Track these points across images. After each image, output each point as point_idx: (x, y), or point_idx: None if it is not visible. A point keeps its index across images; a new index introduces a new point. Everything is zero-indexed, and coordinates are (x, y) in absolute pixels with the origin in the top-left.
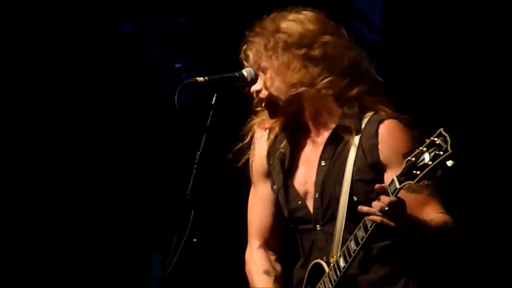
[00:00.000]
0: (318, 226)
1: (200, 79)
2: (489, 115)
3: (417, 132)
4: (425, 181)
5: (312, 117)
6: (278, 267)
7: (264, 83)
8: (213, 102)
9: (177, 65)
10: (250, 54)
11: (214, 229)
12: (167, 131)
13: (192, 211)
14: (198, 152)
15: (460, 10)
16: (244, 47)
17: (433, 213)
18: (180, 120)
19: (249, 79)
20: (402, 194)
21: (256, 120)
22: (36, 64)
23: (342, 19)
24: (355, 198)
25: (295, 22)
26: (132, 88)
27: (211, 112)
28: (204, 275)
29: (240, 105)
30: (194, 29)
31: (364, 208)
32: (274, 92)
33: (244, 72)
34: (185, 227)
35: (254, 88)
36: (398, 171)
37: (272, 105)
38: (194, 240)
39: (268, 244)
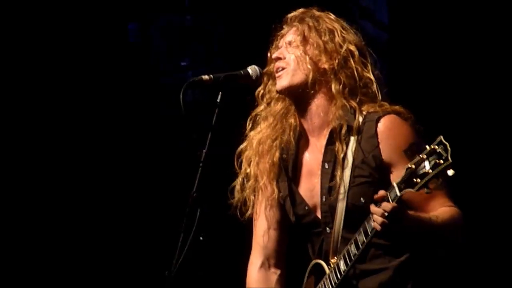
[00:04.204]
0: (327, 229)
1: (205, 77)
2: (495, 111)
3: (418, 125)
4: (440, 181)
5: (312, 112)
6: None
7: (297, 55)
8: (218, 100)
9: (182, 63)
10: (297, 29)
11: (221, 227)
12: (173, 129)
13: (198, 209)
14: (204, 151)
15: (466, 7)
16: (292, 20)
17: (439, 207)
18: (185, 118)
19: (254, 76)
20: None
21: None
22: (41, 63)
23: (349, 16)
24: (353, 202)
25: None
26: (138, 86)
27: (216, 111)
28: (210, 273)
29: (245, 103)
30: (199, 27)
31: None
32: (300, 66)
33: (249, 70)
34: (192, 226)
35: (279, 54)
36: (401, 168)
37: (288, 77)
38: (201, 238)
39: (271, 259)
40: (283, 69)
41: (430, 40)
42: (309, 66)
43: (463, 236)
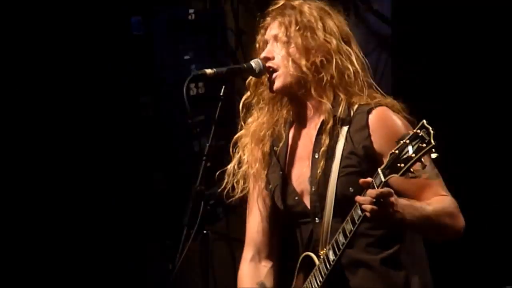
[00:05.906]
0: (316, 219)
1: (208, 71)
2: (498, 107)
3: (409, 117)
4: (423, 164)
5: (304, 106)
6: (268, 280)
7: (283, 55)
8: (221, 94)
9: (186, 57)
10: (279, 22)
11: (224, 221)
12: (176, 123)
13: (202, 203)
14: (207, 144)
15: (469, 1)
16: (274, 13)
17: (433, 196)
18: (189, 112)
19: (257, 70)
20: (401, 180)
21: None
22: (42, 56)
23: (352, 10)
24: (342, 192)
25: (332, 19)
26: (140, 80)
27: (220, 104)
28: (213, 267)
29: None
30: (202, 20)
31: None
32: (289, 67)
33: (252, 63)
34: (195, 219)
35: (268, 54)
36: None
37: (280, 80)
38: (205, 232)
39: (262, 253)
40: (274, 70)
41: (433, 33)
42: (296, 67)
43: (460, 225)
